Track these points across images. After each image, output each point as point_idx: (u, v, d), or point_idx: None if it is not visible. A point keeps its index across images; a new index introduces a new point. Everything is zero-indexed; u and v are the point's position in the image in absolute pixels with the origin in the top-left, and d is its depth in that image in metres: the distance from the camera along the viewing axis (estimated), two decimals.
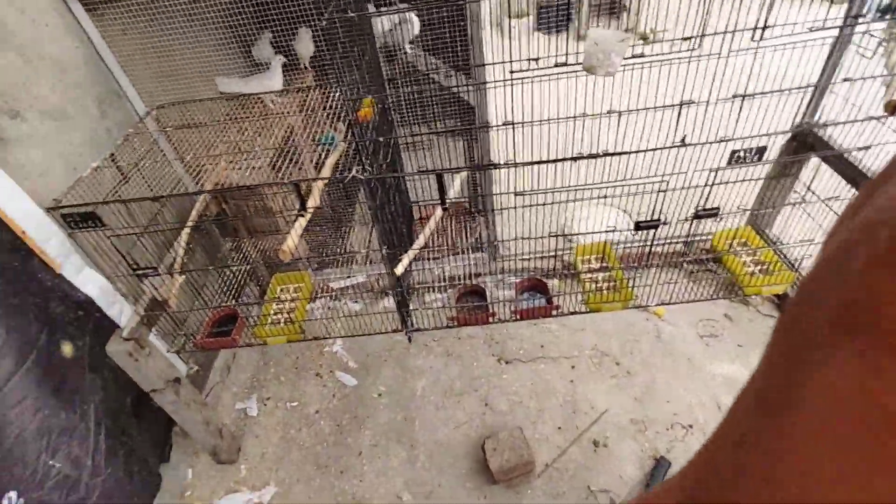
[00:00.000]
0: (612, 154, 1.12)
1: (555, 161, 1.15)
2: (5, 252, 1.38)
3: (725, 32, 1.20)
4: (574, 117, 1.12)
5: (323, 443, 2.16)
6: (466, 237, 2.62)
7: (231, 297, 1.94)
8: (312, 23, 2.35)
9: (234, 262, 2.10)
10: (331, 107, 1.81)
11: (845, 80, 1.32)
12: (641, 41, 1.09)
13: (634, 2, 5.58)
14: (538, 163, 1.16)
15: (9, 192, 1.40)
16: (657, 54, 1.12)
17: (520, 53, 1.40)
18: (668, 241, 2.26)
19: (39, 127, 1.55)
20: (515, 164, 1.17)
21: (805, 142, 1.92)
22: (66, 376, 1.53)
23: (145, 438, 1.85)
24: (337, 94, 1.84)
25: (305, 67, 2.72)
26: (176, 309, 1.61)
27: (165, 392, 1.69)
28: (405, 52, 3.06)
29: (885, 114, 1.16)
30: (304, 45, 2.57)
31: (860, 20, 1.35)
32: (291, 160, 2.10)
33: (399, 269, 1.55)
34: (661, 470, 1.88)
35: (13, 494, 1.31)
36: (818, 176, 1.89)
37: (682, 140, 1.15)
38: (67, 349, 1.54)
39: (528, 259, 2.49)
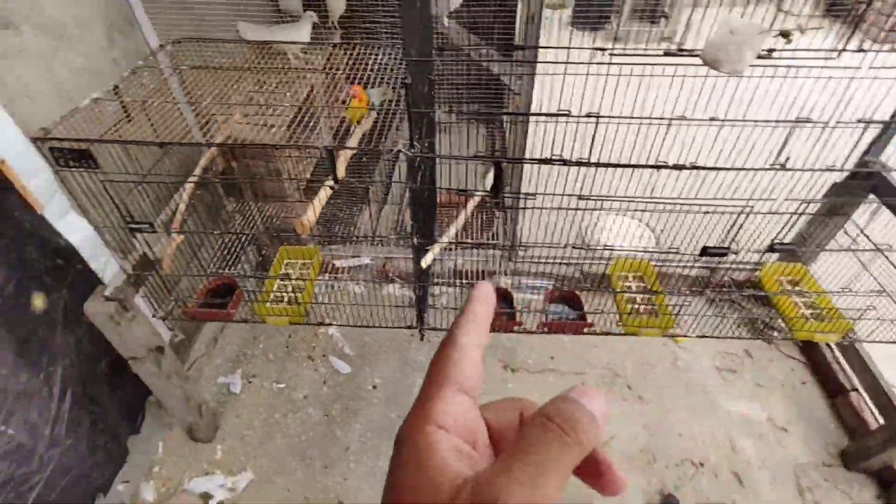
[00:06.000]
0: (705, 168, 0.96)
1: (637, 167, 0.98)
2: None
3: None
4: (668, 120, 0.95)
5: (309, 432, 2.00)
6: (484, 232, 2.45)
7: (229, 264, 1.76)
8: None
9: (238, 225, 1.91)
10: (362, 69, 1.61)
11: None
12: (781, 38, 0.92)
13: (675, 12, 5.40)
14: (615, 165, 1.00)
15: None
16: (785, 58, 0.95)
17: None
18: (698, 265, 2.12)
19: (34, 42, 1.33)
20: (588, 164, 1.00)
21: (865, 181, 1.78)
22: (34, 332, 1.34)
23: (116, 407, 1.67)
24: (378, 55, 1.64)
25: (334, 26, 2.51)
26: (169, 272, 1.42)
27: (146, 361, 1.51)
28: (442, 24, 2.86)
29: None
30: (337, 1, 2.36)
31: None
32: (308, 123, 1.91)
33: (426, 262, 1.38)
34: None
35: None
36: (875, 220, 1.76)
37: (784, 163, 1.00)
38: (39, 302, 1.35)
39: (547, 263, 2.33)
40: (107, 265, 1.54)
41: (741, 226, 1.13)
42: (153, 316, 1.53)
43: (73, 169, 1.14)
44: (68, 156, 1.10)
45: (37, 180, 1.32)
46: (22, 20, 1.29)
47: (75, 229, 1.44)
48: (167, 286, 1.53)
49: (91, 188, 1.25)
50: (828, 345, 2.18)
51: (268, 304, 1.51)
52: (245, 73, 1.74)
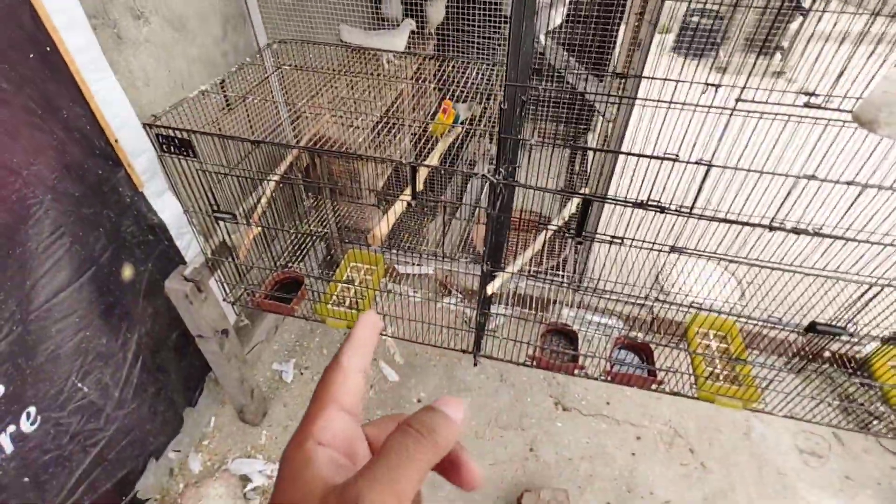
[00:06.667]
0: (833, 237, 0.83)
1: (747, 224, 0.87)
2: (94, 156, 1.28)
3: None
4: (794, 177, 0.83)
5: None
6: (552, 259, 2.35)
7: (299, 258, 1.80)
8: None
9: (312, 223, 1.96)
10: (451, 82, 1.59)
11: None
12: None
13: (794, 46, 4.96)
14: (722, 220, 0.89)
15: (113, 95, 1.29)
16: None
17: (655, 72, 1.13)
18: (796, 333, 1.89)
19: (160, 33, 1.43)
20: (690, 214, 0.90)
21: None
22: (119, 300, 1.43)
23: (178, 379, 1.76)
24: (470, 70, 1.62)
25: (430, 34, 2.53)
26: (244, 261, 1.47)
27: (211, 341, 1.57)
28: (537, 41, 2.80)
29: None
30: (437, 9, 2.37)
31: None
32: (392, 129, 1.92)
33: (492, 288, 1.33)
34: None
35: (32, 410, 1.23)
36: None
37: None
38: (127, 272, 1.45)
39: (616, 301, 2.19)
40: (190, 245, 1.62)
41: (867, 303, 0.97)
42: (223, 300, 1.59)
43: (174, 155, 1.20)
44: (171, 143, 1.17)
45: (141, 160, 1.41)
46: (151, 12, 1.39)
47: (168, 208, 1.53)
48: (240, 273, 1.59)
49: (186, 174, 1.32)
50: None
51: (329, 305, 1.52)
52: (339, 75, 1.78)
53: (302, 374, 2.20)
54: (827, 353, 1.57)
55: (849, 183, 0.82)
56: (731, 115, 0.91)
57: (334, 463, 0.29)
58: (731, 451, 1.97)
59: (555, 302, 2.36)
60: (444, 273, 2.47)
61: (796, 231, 0.89)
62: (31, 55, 1.10)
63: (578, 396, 2.15)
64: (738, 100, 0.91)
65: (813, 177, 0.81)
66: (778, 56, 5.04)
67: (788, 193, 0.82)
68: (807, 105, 0.89)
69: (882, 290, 0.94)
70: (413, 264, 2.43)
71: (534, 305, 2.30)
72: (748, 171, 0.84)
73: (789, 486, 1.87)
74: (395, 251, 2.49)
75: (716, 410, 2.10)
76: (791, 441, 2.01)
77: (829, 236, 0.87)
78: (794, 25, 5.05)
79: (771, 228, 0.90)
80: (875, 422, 1.47)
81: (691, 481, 1.88)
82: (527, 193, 1.42)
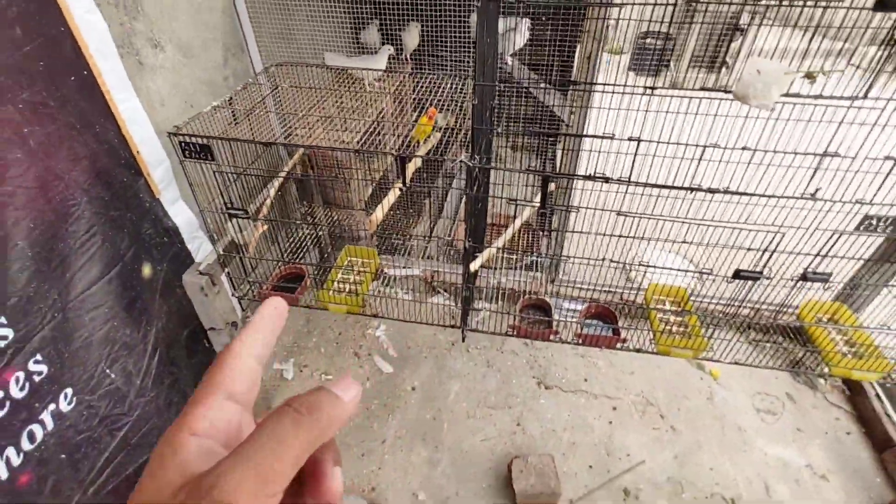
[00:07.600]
0: (737, 193, 1.07)
1: (672, 188, 1.11)
2: (120, 166, 1.46)
3: None
4: (702, 147, 1.08)
5: (349, 422, 2.14)
6: (531, 251, 2.58)
7: (298, 258, 1.98)
8: (421, 18, 2.44)
9: (308, 226, 2.15)
10: (429, 95, 1.83)
11: None
12: (807, 79, 1.04)
13: (738, 62, 5.45)
14: (653, 185, 1.13)
15: (136, 112, 1.48)
16: (814, 96, 1.06)
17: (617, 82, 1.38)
18: (736, 302, 2.14)
19: (172, 59, 1.64)
20: (629, 182, 1.13)
21: None
22: (140, 296, 1.59)
23: (189, 374, 1.89)
24: (445, 85, 1.86)
25: (406, 59, 2.79)
26: (253, 255, 1.65)
27: (222, 333, 1.73)
28: (504, 62, 3.10)
29: None
30: (411, 36, 2.65)
31: None
32: (375, 142, 2.14)
33: (474, 266, 1.54)
34: None
35: (69, 391, 1.37)
36: None
37: (814, 193, 1.09)
38: (147, 270, 1.61)
39: (589, 289, 2.42)
40: (200, 247, 1.79)
41: (773, 250, 1.21)
42: (232, 294, 1.75)
43: (194, 160, 1.39)
44: (192, 149, 1.36)
45: (159, 170, 1.60)
46: (166, 41, 1.60)
47: (181, 213, 1.70)
48: (246, 271, 1.76)
49: (202, 177, 1.50)
50: (878, 396, 2.12)
51: (330, 293, 1.70)
52: (328, 95, 2.01)
53: (301, 371, 2.35)
54: (765, 317, 1.82)
55: (744, 148, 1.06)
56: (649, 99, 1.16)
57: (208, 453, 0.26)
58: (696, 414, 2.19)
59: (534, 292, 2.58)
60: (430, 272, 2.67)
61: (711, 190, 1.13)
62: (72, 77, 1.29)
63: (559, 376, 2.35)
64: (652, 88, 1.16)
65: (715, 145, 1.05)
66: (724, 71, 5.52)
67: (700, 158, 1.06)
68: (702, 89, 1.14)
69: (783, 236, 1.19)
70: (402, 266, 2.62)
71: (515, 296, 2.51)
72: (668, 143, 1.08)
73: (749, 441, 2.08)
74: (384, 256, 2.68)
75: (683, 381, 2.32)
76: (749, 402, 2.24)
77: (735, 192, 1.11)
78: (735, 44, 5.56)
79: (691, 190, 1.14)
80: (815, 373, 1.71)
81: (663, 443, 2.08)
82: (505, 194, 1.65)
